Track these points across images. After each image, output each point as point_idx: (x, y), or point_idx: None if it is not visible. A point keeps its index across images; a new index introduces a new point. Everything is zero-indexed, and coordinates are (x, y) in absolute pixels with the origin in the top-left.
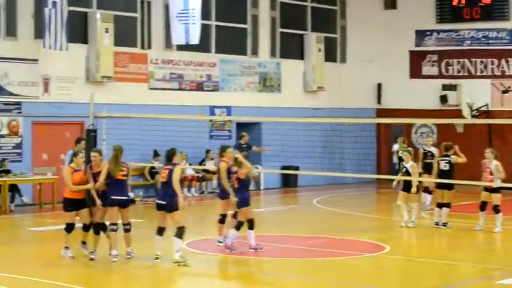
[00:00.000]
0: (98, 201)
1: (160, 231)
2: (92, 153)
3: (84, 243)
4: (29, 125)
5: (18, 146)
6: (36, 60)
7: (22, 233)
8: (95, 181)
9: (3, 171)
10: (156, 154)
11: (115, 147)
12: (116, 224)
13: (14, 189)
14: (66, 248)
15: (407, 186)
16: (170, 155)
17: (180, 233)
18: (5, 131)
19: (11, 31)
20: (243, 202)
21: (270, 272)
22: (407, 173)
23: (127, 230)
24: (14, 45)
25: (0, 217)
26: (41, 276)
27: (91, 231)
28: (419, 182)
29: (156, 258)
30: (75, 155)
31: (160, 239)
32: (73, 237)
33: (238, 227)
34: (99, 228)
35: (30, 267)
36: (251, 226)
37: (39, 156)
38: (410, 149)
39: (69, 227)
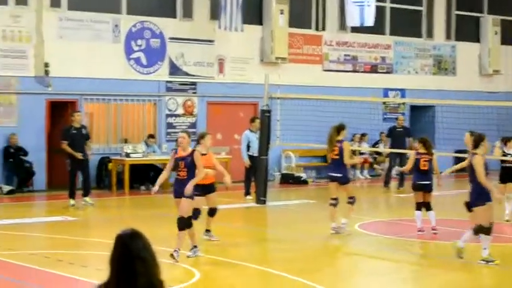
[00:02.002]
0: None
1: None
2: (180, 134)
3: (208, 231)
4: (204, 105)
5: (193, 125)
6: (211, 41)
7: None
8: (177, 168)
9: None
10: None
11: (334, 126)
12: (336, 199)
13: None
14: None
15: None
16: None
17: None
18: (180, 111)
19: (187, 12)
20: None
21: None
22: None
23: (349, 203)
24: (190, 26)
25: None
26: (215, 253)
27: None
28: None
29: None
30: (202, 136)
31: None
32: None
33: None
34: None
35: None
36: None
37: (213, 136)
38: None
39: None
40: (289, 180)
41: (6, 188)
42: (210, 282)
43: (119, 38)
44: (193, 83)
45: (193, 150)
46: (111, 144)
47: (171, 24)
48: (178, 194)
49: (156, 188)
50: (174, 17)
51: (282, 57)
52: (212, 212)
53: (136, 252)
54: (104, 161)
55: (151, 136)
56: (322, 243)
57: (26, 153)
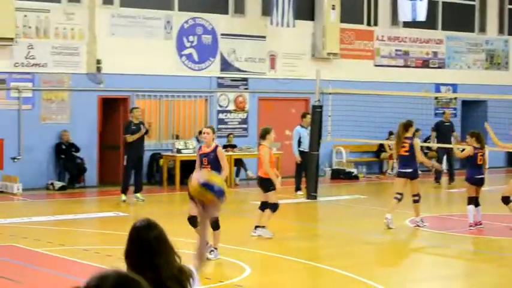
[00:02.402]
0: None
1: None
2: (204, 130)
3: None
4: (255, 101)
5: (244, 121)
6: (263, 36)
7: (246, 207)
8: (202, 164)
9: (230, 146)
10: (390, 133)
11: (401, 123)
12: (401, 194)
13: (239, 163)
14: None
15: None
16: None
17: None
18: (231, 107)
19: (239, 8)
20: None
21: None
22: None
23: (415, 201)
24: (242, 22)
25: None
26: (266, 249)
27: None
28: None
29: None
30: (267, 131)
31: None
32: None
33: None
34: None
35: (255, 240)
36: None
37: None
38: None
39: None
40: (340, 175)
41: (58, 184)
42: (261, 277)
43: (170, 34)
44: (245, 79)
45: (217, 146)
46: (163, 141)
47: (223, 21)
48: None
49: None
50: (226, 13)
51: (333, 53)
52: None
53: (154, 244)
54: (155, 157)
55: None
56: (373, 238)
57: (77, 150)
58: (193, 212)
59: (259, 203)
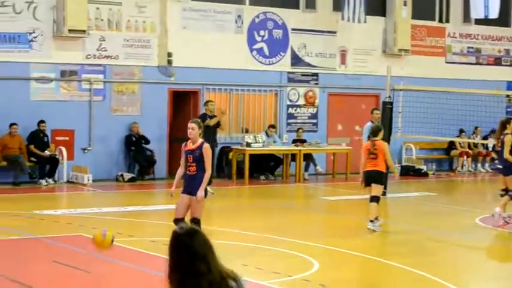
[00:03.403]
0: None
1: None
2: (189, 125)
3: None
4: (325, 96)
5: (314, 116)
6: (334, 32)
7: (315, 202)
8: (187, 162)
9: (299, 141)
10: (461, 131)
11: (500, 120)
12: (504, 190)
13: (308, 158)
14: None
15: None
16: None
17: None
18: (301, 101)
19: (310, 3)
20: None
21: None
22: None
23: (503, 195)
24: (313, 17)
25: (294, 185)
26: (334, 244)
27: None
28: None
29: None
30: (380, 129)
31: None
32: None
33: None
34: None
35: (324, 235)
36: None
37: (334, 127)
38: None
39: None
40: (409, 172)
41: (128, 175)
42: (329, 272)
43: (241, 28)
44: (315, 74)
45: (202, 143)
46: (232, 134)
47: (294, 15)
48: (186, 191)
49: (173, 189)
50: (297, 8)
51: (404, 49)
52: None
53: (197, 252)
54: (224, 150)
55: (272, 126)
56: (442, 236)
57: (147, 142)
58: (178, 214)
59: (331, 198)
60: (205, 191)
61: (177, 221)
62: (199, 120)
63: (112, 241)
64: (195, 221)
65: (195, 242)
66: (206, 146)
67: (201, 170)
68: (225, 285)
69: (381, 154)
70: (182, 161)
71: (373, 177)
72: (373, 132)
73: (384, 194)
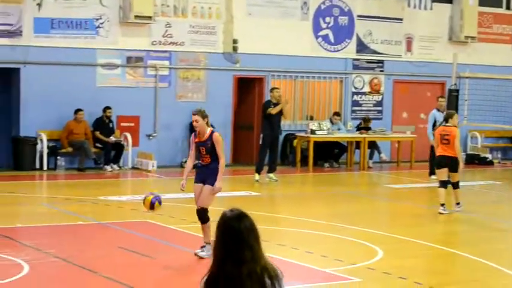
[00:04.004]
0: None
1: None
2: (193, 117)
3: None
4: (391, 83)
5: (379, 103)
6: (400, 19)
7: (379, 190)
8: (200, 154)
9: (364, 128)
10: None
11: None
12: None
13: (373, 146)
14: (442, 205)
15: None
16: None
17: None
18: (366, 89)
19: None
20: None
21: None
22: None
23: None
24: (379, 4)
25: (358, 173)
26: (399, 232)
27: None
28: None
29: None
30: (452, 115)
31: None
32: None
33: None
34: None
35: (388, 223)
36: None
37: (399, 115)
38: None
39: (443, 184)
40: (474, 160)
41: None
42: (393, 260)
43: (307, 15)
44: (381, 61)
45: (212, 132)
46: (297, 121)
47: (360, 2)
48: (200, 179)
49: (184, 182)
50: None
51: (471, 36)
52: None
53: (244, 238)
54: (289, 138)
55: (336, 113)
56: (507, 225)
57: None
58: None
59: (395, 186)
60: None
61: (199, 210)
62: (201, 109)
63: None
64: (201, 211)
65: (243, 227)
66: (216, 134)
67: (215, 160)
68: (261, 279)
69: (452, 140)
70: (192, 153)
71: (445, 163)
72: (445, 118)
73: (449, 182)
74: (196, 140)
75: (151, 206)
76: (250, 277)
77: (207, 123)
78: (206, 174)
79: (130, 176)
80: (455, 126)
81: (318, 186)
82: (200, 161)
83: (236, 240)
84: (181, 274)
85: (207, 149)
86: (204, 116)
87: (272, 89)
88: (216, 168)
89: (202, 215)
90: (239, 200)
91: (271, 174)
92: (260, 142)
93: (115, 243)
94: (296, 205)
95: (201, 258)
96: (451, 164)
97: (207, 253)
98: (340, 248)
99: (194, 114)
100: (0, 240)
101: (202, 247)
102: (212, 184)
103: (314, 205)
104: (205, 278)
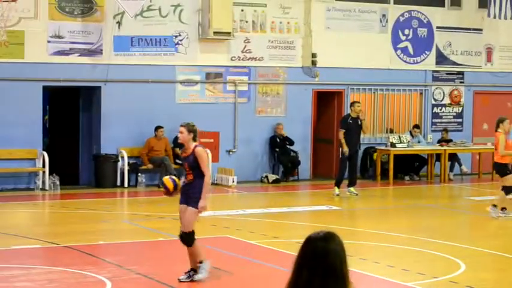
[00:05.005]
0: None
1: None
2: (179, 128)
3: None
4: (471, 95)
5: (459, 115)
6: (480, 29)
7: (460, 202)
8: (185, 172)
9: (444, 141)
10: None
11: None
12: None
13: (453, 158)
14: (494, 206)
15: None
16: None
17: None
18: (446, 101)
19: (455, 1)
20: None
21: None
22: None
23: None
24: (458, 14)
25: (439, 186)
26: (481, 245)
27: None
28: None
29: None
30: (501, 121)
31: None
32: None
33: None
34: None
35: (470, 236)
36: None
37: (480, 126)
38: None
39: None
40: None
41: (272, 177)
42: (476, 273)
43: (386, 27)
44: (461, 73)
45: (196, 147)
46: (377, 134)
47: (439, 13)
48: (184, 200)
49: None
50: (442, 5)
51: None
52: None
53: (329, 259)
54: (368, 151)
55: (416, 126)
56: None
57: (292, 143)
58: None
59: (476, 198)
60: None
61: (182, 234)
62: (190, 123)
63: (175, 188)
64: (184, 235)
65: (330, 247)
66: (199, 149)
67: (199, 177)
68: None
69: (496, 145)
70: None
71: (495, 169)
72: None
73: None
74: (182, 155)
75: (174, 187)
76: None
77: (194, 139)
78: (188, 194)
79: (211, 191)
80: (505, 132)
81: (398, 200)
82: (184, 179)
83: (319, 261)
84: None
85: (189, 165)
86: (190, 130)
87: (353, 103)
88: (200, 187)
89: (186, 240)
90: (320, 214)
91: (351, 188)
92: (340, 156)
93: (196, 259)
94: (377, 219)
95: (195, 281)
96: (495, 169)
97: (204, 274)
98: (422, 262)
99: (180, 126)
100: (83, 257)
101: (189, 271)
102: (195, 206)
103: (395, 219)
104: None
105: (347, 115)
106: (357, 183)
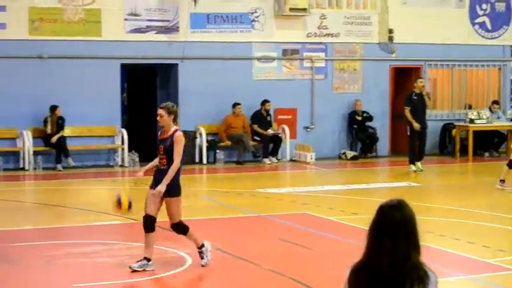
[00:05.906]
0: None
1: None
2: (158, 111)
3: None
4: None
5: None
6: None
7: None
8: (159, 156)
9: None
10: None
11: None
12: None
13: None
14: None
15: None
16: None
17: None
18: None
19: None
20: None
21: None
22: None
23: None
24: None
25: None
26: None
27: None
28: None
29: None
30: None
31: None
32: None
33: None
34: None
35: None
36: None
37: None
38: None
39: None
40: None
41: (350, 153)
42: None
43: (463, 2)
44: None
45: (175, 131)
46: (455, 110)
47: None
48: (155, 186)
49: (140, 174)
50: None
51: None
52: None
53: (399, 227)
54: (447, 127)
55: (495, 102)
56: None
57: (370, 119)
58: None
59: None
60: (178, 188)
61: (146, 217)
62: (169, 103)
63: (129, 207)
64: (176, 226)
65: (400, 215)
66: (178, 134)
67: (170, 163)
68: (412, 279)
69: None
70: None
71: None
72: None
73: None
74: (160, 136)
75: (128, 207)
76: (398, 273)
77: (174, 121)
78: (161, 181)
79: (289, 168)
80: None
81: (478, 176)
82: (158, 163)
83: (389, 229)
84: (338, 264)
85: (165, 148)
86: (170, 111)
87: (416, 80)
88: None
89: (179, 230)
90: (399, 190)
91: (418, 163)
92: (408, 133)
93: (275, 235)
94: (456, 195)
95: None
96: None
97: (209, 256)
98: (502, 238)
99: (159, 108)
100: (163, 233)
101: (141, 260)
102: (175, 195)
103: (474, 195)
104: (353, 265)
105: (411, 92)
106: (436, 159)
